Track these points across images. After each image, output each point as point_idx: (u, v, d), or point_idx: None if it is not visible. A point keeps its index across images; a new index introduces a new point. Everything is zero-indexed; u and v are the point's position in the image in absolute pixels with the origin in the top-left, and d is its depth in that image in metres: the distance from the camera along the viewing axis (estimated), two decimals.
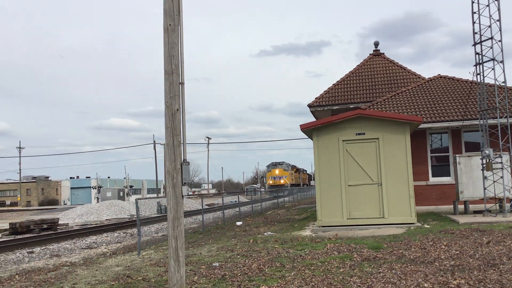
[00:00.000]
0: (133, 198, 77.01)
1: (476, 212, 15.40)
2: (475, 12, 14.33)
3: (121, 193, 71.28)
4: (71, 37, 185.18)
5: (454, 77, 21.89)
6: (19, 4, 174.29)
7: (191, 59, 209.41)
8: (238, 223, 19.92)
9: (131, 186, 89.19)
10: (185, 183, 6.52)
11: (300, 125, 13.99)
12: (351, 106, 23.87)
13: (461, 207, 16.13)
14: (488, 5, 13.99)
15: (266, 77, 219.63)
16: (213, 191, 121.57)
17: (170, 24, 6.65)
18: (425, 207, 18.92)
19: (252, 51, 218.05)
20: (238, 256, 10.19)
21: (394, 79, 25.08)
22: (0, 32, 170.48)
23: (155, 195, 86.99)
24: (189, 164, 6.61)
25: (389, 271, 7.37)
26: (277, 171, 72.61)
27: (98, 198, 75.15)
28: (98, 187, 79.74)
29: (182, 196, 6.50)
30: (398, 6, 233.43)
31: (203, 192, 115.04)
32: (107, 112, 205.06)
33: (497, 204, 14.42)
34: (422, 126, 18.22)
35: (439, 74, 22.52)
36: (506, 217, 13.47)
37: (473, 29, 14.41)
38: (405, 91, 21.44)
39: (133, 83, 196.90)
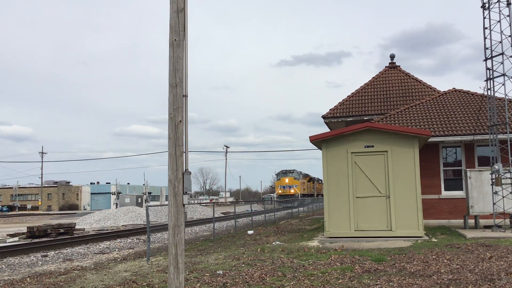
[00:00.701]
0: (151, 204, 77.61)
1: (486, 227, 15.35)
2: (486, 28, 14.39)
3: (139, 200, 72.03)
4: (94, 44, 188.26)
5: (468, 91, 21.86)
6: (43, 11, 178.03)
7: (212, 68, 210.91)
8: (250, 232, 20.11)
9: (149, 193, 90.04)
10: (186, 192, 6.77)
11: (310, 137, 14.17)
12: (365, 118, 23.96)
13: (471, 221, 16.07)
14: (499, 21, 14.05)
15: (286, 87, 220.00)
16: (230, 199, 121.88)
17: (175, 39, 6.93)
18: (437, 221, 18.89)
19: (272, 60, 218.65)
20: (243, 265, 10.38)
21: (409, 92, 25.11)
22: (24, 39, 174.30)
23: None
24: (190, 173, 6.86)
25: (386, 283, 7.50)
26: (286, 180, 67.43)
27: (117, 204, 76.07)
28: (117, 193, 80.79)
29: (183, 204, 6.74)
30: (419, 17, 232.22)
31: (220, 200, 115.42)
32: (129, 119, 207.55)
33: (506, 220, 14.37)
34: (435, 139, 18.25)
35: (454, 88, 22.50)
36: None
37: (485, 44, 14.47)
38: (419, 104, 21.46)
39: (154, 90, 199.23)
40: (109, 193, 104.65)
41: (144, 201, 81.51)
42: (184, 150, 6.84)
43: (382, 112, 23.83)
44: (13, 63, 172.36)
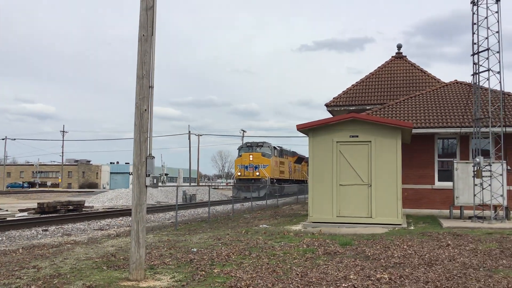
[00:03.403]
0: (167, 184, 79.08)
1: (470, 217, 15.76)
2: (475, 23, 14.66)
3: (155, 180, 73.37)
4: (120, 25, 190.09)
5: (470, 83, 22.02)
6: None
7: (234, 51, 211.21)
8: (246, 216, 20.82)
9: (166, 174, 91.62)
10: (149, 174, 7.46)
11: (297, 125, 14.72)
12: (367, 108, 24.35)
13: (457, 212, 16.50)
14: (486, 17, 14.31)
15: (307, 72, 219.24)
16: None
17: (143, 35, 7.57)
18: (429, 210, 19.32)
19: (293, 45, 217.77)
20: (220, 244, 11.07)
21: (413, 83, 25.38)
22: (50, 19, 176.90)
23: (187, 184, 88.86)
24: (154, 158, 7.53)
25: (335, 264, 8.11)
26: (250, 157, 45.21)
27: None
28: None
29: (146, 186, 7.44)
30: (444, 4, 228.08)
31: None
32: None
33: (485, 211, 14.78)
34: (430, 131, 18.63)
35: (456, 80, 22.70)
36: (490, 223, 13.86)
37: (472, 39, 14.76)
38: (418, 95, 21.75)
39: (175, 73, 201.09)
40: (128, 173, 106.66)
41: (161, 182, 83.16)
42: (148, 136, 7.51)
43: (385, 102, 24.16)
44: (39, 42, 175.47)
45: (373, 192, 14.07)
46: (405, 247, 9.96)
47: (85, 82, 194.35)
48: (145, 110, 7.46)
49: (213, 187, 56.87)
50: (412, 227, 13.89)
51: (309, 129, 14.70)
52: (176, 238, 12.73)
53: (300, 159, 58.47)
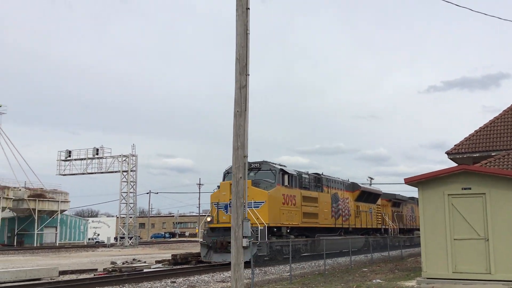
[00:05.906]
0: None
1: None
2: None
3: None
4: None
5: None
6: (202, 55, 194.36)
7: (357, 97, 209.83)
8: (364, 269, 20.66)
9: None
10: (245, 236, 8.22)
11: (405, 179, 14.71)
12: (493, 154, 23.15)
13: None
14: None
15: (437, 114, 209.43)
16: None
17: (237, 111, 8.53)
18: None
19: (420, 87, 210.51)
20: None
21: None
22: (184, 80, 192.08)
23: None
24: (249, 221, 8.30)
25: None
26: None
27: None
28: None
29: (243, 246, 8.20)
30: None
31: None
32: (278, 150, 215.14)
33: None
34: None
35: None
36: None
37: None
38: None
39: (302, 122, 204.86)
40: None
41: None
42: (244, 201, 8.33)
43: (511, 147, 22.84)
44: (175, 102, 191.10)
45: (491, 246, 13.44)
46: None
47: (216, 136, 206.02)
48: (241, 177, 8.32)
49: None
50: None
51: (418, 182, 14.59)
52: None
53: (372, 196, 36.94)
